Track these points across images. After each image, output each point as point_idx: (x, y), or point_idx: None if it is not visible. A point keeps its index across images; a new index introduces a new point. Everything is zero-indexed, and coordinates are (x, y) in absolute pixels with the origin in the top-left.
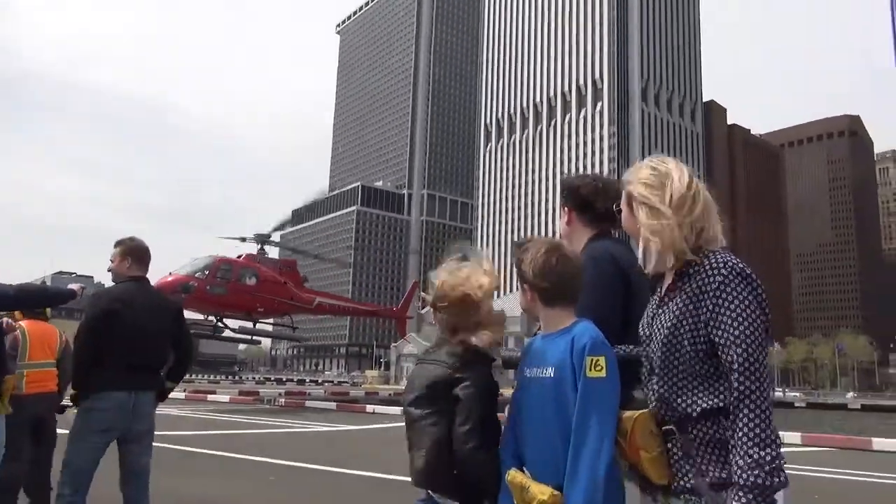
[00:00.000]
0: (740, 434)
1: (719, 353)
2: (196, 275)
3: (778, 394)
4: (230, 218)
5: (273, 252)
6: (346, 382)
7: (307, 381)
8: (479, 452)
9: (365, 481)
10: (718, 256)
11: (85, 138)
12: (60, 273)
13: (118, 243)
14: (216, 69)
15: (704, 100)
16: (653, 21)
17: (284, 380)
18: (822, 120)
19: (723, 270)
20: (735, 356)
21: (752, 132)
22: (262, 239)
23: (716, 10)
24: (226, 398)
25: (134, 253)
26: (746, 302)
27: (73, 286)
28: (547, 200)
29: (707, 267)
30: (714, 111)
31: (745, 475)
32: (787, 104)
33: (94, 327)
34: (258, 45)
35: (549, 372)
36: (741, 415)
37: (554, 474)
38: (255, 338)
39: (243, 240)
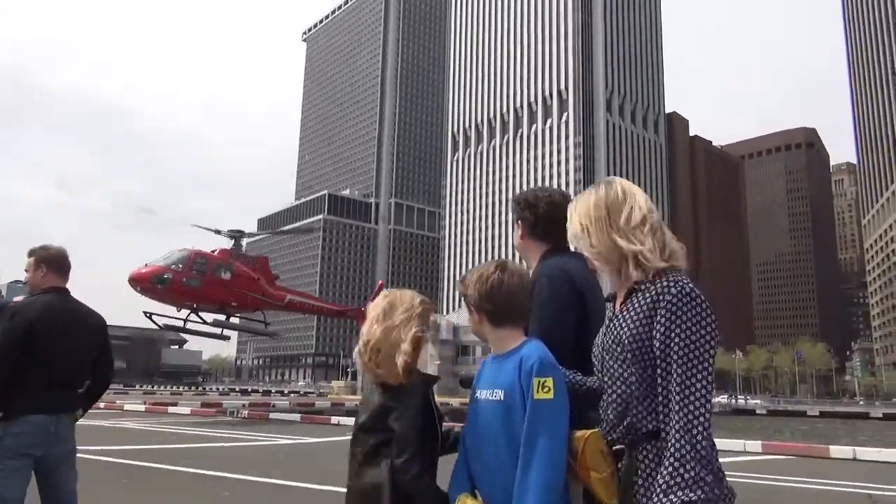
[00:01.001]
0: (668, 470)
1: (661, 374)
2: (172, 266)
3: (740, 401)
4: (192, 218)
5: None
6: (313, 393)
7: (273, 391)
8: (421, 479)
9: (323, 496)
10: (670, 276)
11: (45, 142)
12: (16, 283)
13: (31, 252)
14: (181, 74)
15: (667, 111)
16: (617, 33)
17: (249, 390)
18: (780, 132)
19: (673, 289)
20: (675, 381)
21: (713, 143)
22: (237, 234)
23: (677, 24)
24: (187, 410)
25: (49, 262)
26: (692, 321)
27: None
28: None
29: (658, 286)
30: (676, 123)
31: None
32: (747, 117)
33: (11, 345)
34: (224, 50)
35: (499, 395)
36: (672, 447)
37: (505, 498)
38: (224, 332)
39: (218, 232)
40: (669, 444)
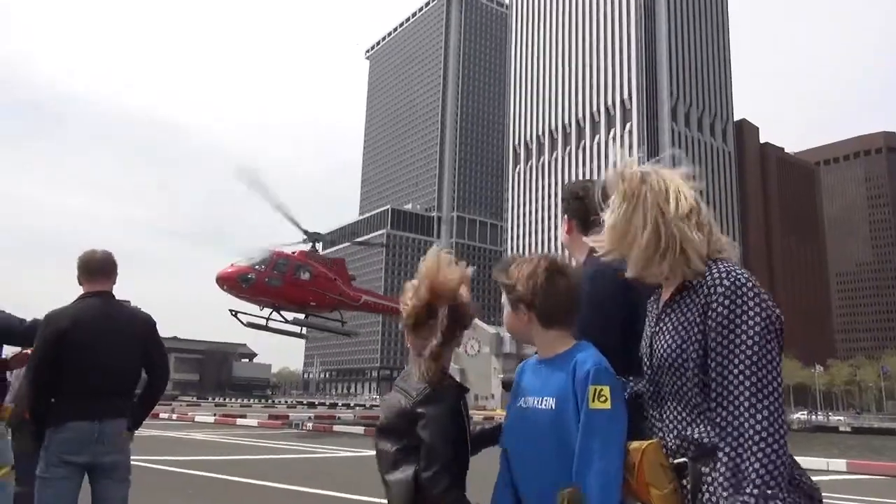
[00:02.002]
0: (737, 486)
1: (714, 379)
2: (255, 266)
3: (820, 417)
4: (260, 240)
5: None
6: (378, 406)
7: (338, 404)
8: (451, 492)
9: None
10: (722, 267)
11: (108, 159)
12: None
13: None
14: (245, 93)
15: (736, 118)
16: (681, 39)
17: (315, 403)
18: (858, 137)
19: (725, 282)
20: (738, 387)
21: (785, 150)
22: (315, 236)
23: (746, 28)
24: (255, 422)
25: (79, 267)
26: (745, 315)
27: None
28: None
29: (709, 279)
30: (746, 130)
31: None
32: (822, 122)
33: (44, 353)
34: (289, 69)
35: (550, 403)
36: (742, 460)
37: None
38: (303, 331)
39: (305, 233)
40: (739, 456)
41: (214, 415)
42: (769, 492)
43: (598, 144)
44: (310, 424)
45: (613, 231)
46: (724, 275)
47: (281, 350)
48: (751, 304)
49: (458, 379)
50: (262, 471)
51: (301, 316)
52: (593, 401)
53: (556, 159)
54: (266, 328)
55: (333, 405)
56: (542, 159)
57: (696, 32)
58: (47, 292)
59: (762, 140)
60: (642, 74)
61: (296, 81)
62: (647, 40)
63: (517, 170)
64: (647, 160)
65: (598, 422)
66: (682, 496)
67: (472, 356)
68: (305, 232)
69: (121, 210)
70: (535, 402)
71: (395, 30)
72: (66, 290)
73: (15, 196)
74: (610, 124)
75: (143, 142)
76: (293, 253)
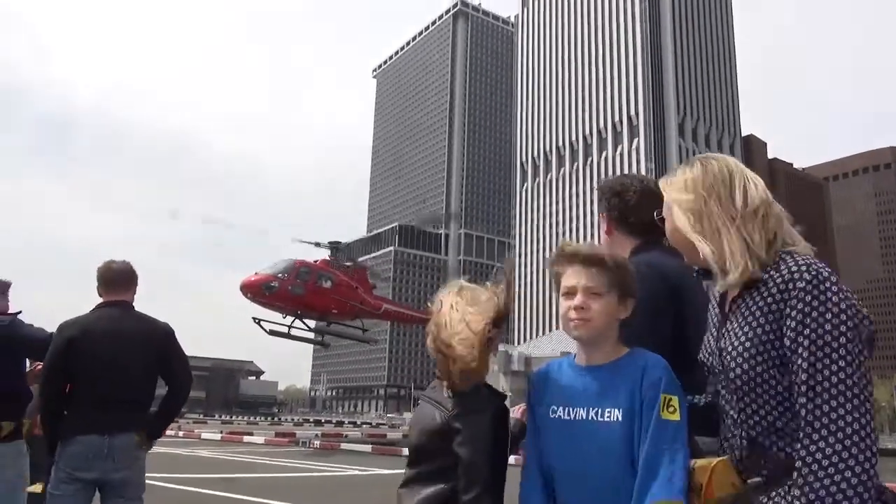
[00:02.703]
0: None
1: (797, 387)
2: (278, 275)
3: None
4: (270, 256)
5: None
6: (385, 424)
7: (346, 422)
8: None
9: None
10: (799, 260)
11: (118, 174)
12: None
13: None
14: (253, 112)
15: (743, 134)
16: (687, 55)
17: (322, 421)
18: (867, 152)
19: (805, 275)
20: (820, 398)
21: (793, 166)
22: (336, 245)
23: (752, 43)
24: (261, 440)
25: (98, 278)
26: (824, 308)
27: None
28: (585, 237)
29: (785, 272)
30: (754, 145)
31: None
32: (830, 137)
33: (52, 363)
34: (295, 87)
35: (615, 415)
36: (824, 480)
37: None
38: (325, 338)
39: (318, 244)
40: (827, 476)
41: (221, 432)
42: None
43: (606, 161)
44: (317, 442)
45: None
46: (803, 269)
47: (288, 367)
48: (834, 299)
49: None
50: (269, 489)
51: (322, 324)
52: (664, 410)
53: (564, 176)
54: (288, 336)
55: (340, 423)
56: (549, 176)
57: (702, 48)
58: (71, 305)
59: (770, 156)
60: (649, 91)
61: (304, 100)
62: (654, 56)
63: (525, 186)
64: (655, 176)
65: (669, 432)
66: None
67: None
68: (319, 244)
69: (125, 226)
70: (593, 413)
71: (403, 48)
72: (86, 305)
73: None
74: (617, 140)
75: (152, 159)
76: (315, 261)
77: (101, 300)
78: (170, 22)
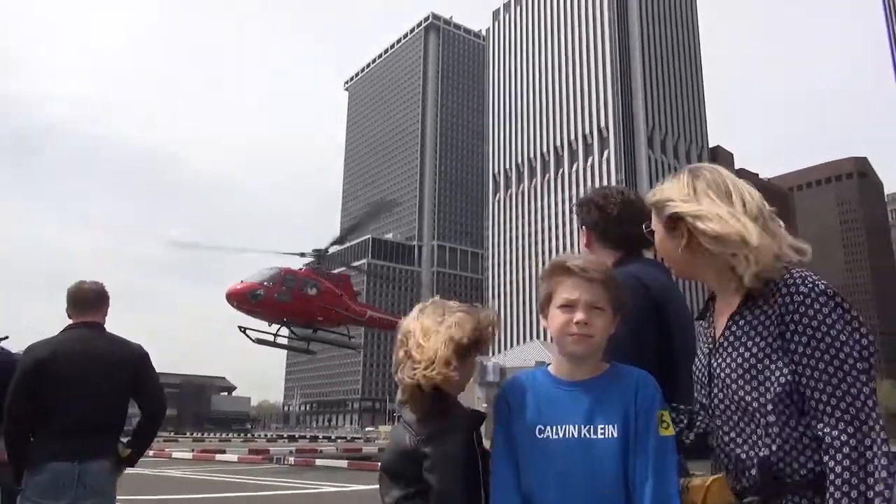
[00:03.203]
0: None
1: (805, 395)
2: (264, 283)
3: None
4: (240, 271)
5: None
6: (360, 438)
7: (320, 437)
8: None
9: None
10: (796, 274)
11: (90, 191)
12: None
13: None
14: (223, 124)
15: (711, 145)
16: (656, 69)
17: (297, 437)
18: (830, 163)
19: (802, 290)
20: (822, 396)
21: (759, 176)
22: (320, 253)
23: (719, 57)
24: (235, 457)
25: (69, 299)
26: (835, 329)
27: None
28: (556, 249)
29: (783, 287)
30: (721, 156)
31: None
32: (794, 148)
33: (18, 386)
34: (267, 100)
35: (610, 430)
36: (834, 484)
37: None
38: (310, 346)
39: (302, 255)
40: (832, 496)
41: (192, 450)
42: None
43: (577, 172)
44: (292, 459)
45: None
46: (799, 281)
47: (260, 383)
48: (846, 317)
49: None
50: None
51: (308, 331)
52: (661, 427)
53: (536, 187)
54: (274, 343)
55: (315, 438)
56: (521, 187)
57: (670, 62)
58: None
59: (737, 166)
60: (619, 103)
61: (275, 112)
62: (623, 69)
63: (497, 198)
64: (626, 186)
65: (668, 450)
66: None
67: None
68: (304, 254)
69: (90, 240)
70: (585, 431)
71: (374, 60)
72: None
73: None
74: (588, 152)
75: (121, 172)
76: (300, 269)
77: (70, 322)
78: (141, 37)
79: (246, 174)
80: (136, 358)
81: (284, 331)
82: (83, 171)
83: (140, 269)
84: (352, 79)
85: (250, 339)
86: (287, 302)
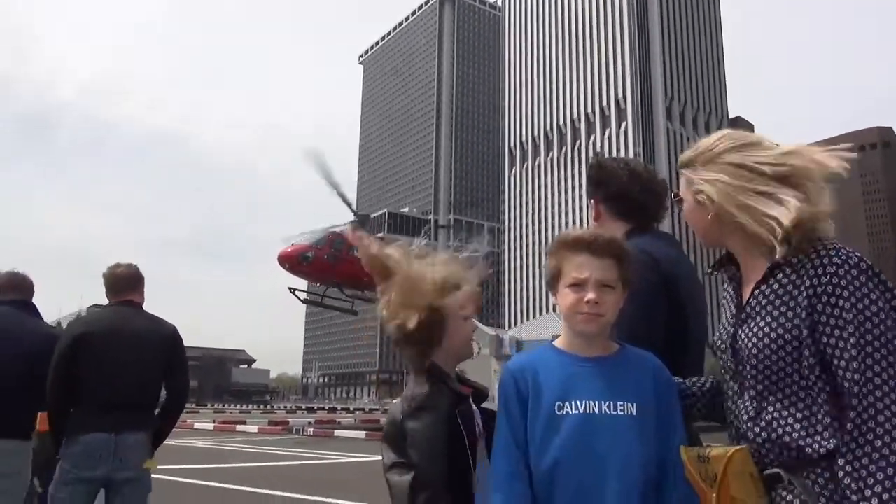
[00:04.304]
0: (863, 484)
1: (834, 369)
2: (314, 245)
3: None
4: (258, 249)
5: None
6: (378, 410)
7: (338, 409)
8: None
9: None
10: (829, 245)
11: (109, 172)
12: (95, 306)
13: None
14: (237, 101)
15: (730, 116)
16: (675, 39)
17: (315, 408)
18: (852, 132)
19: (835, 260)
20: (852, 373)
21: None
22: (363, 217)
23: (740, 26)
24: (254, 429)
25: (105, 283)
26: (868, 301)
27: None
28: (574, 222)
29: (815, 258)
30: (741, 127)
31: None
32: (816, 118)
33: (57, 361)
34: (281, 75)
35: (629, 408)
36: (864, 456)
37: None
38: (354, 305)
39: (353, 221)
40: (866, 466)
41: (213, 421)
42: None
43: (594, 144)
44: (310, 430)
45: (728, 221)
46: (833, 253)
47: (279, 355)
48: (871, 283)
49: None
50: (264, 478)
51: (353, 292)
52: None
53: (553, 160)
54: (321, 304)
55: (333, 409)
56: (538, 160)
57: (689, 31)
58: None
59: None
60: (636, 74)
61: (290, 88)
62: (641, 40)
63: (513, 171)
64: (643, 159)
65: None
66: None
67: (471, 359)
68: (356, 213)
69: (109, 218)
70: (606, 407)
71: (389, 34)
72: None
73: None
74: (605, 124)
75: (133, 153)
76: (345, 232)
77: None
78: (153, 17)
79: (259, 153)
80: (171, 338)
81: (331, 291)
82: (97, 152)
83: (166, 249)
84: (366, 52)
85: (299, 299)
86: (335, 264)
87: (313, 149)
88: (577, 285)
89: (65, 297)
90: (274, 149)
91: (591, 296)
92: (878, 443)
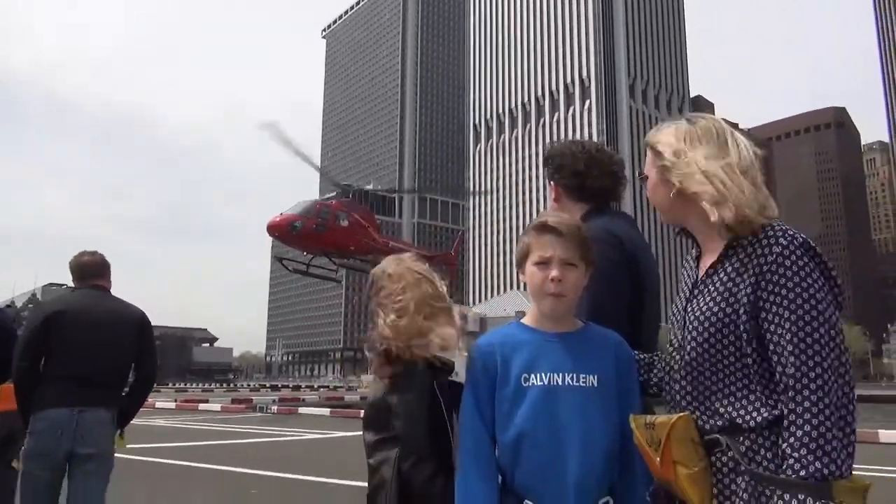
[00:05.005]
0: (790, 445)
1: (772, 341)
2: (302, 215)
3: None
4: (221, 225)
5: None
6: (342, 387)
7: (302, 386)
8: (432, 484)
9: (351, 491)
10: (776, 226)
11: (69, 150)
12: (51, 285)
13: None
14: (199, 76)
15: (692, 95)
16: (638, 17)
17: (279, 386)
18: (809, 113)
19: (781, 240)
20: (789, 349)
21: (739, 126)
22: (347, 188)
23: (702, 7)
24: (217, 407)
25: (71, 271)
26: (810, 279)
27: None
28: (538, 200)
29: (764, 239)
30: (702, 106)
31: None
32: (775, 98)
33: (27, 337)
34: (242, 51)
35: (591, 380)
36: (794, 423)
37: (602, 491)
38: (338, 274)
39: (342, 192)
40: (795, 432)
41: (175, 400)
42: (826, 470)
43: (558, 121)
44: (274, 408)
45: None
46: (780, 234)
47: (242, 334)
48: (813, 262)
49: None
50: (228, 456)
51: (341, 259)
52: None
53: (517, 137)
54: (307, 273)
55: (297, 387)
56: (502, 137)
57: (652, 11)
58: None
59: (718, 116)
60: (600, 52)
61: (255, 64)
62: (605, 18)
63: (478, 148)
64: (606, 137)
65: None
66: (711, 476)
67: None
68: (339, 184)
69: (66, 195)
70: (569, 379)
71: (352, 7)
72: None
73: None
74: (569, 101)
75: (100, 130)
76: (332, 202)
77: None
78: None
79: (224, 129)
80: (140, 321)
81: (316, 260)
82: (53, 128)
83: (120, 225)
84: (329, 26)
85: (287, 269)
86: (323, 233)
87: (272, 122)
88: (543, 263)
89: (19, 276)
90: (238, 127)
91: (554, 273)
92: (808, 415)
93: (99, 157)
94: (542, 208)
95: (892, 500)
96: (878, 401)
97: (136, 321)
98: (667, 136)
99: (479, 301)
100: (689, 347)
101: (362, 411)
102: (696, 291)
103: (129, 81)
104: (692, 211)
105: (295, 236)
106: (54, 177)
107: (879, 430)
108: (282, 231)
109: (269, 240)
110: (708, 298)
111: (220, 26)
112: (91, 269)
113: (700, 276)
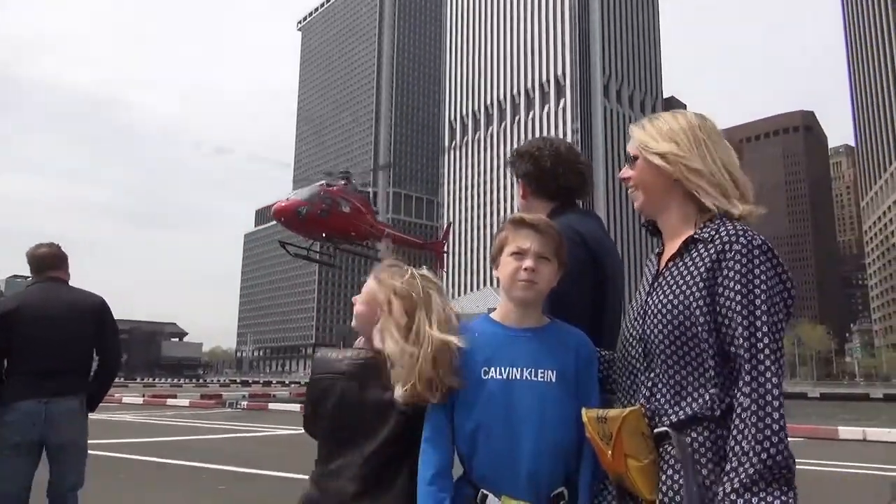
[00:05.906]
0: (742, 461)
1: (723, 335)
2: (307, 200)
3: None
4: (197, 217)
5: None
6: None
7: (273, 382)
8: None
9: None
10: (737, 226)
11: (36, 136)
12: (15, 277)
13: None
14: (175, 65)
15: (665, 96)
16: (613, 18)
17: (250, 382)
18: (778, 116)
19: (741, 240)
20: (742, 353)
21: None
22: (347, 174)
23: (675, 7)
24: (186, 402)
25: (29, 263)
26: (764, 277)
27: None
28: (512, 198)
29: (724, 235)
30: (674, 107)
31: (738, 486)
32: (745, 100)
33: None
34: (218, 41)
35: (549, 375)
36: (743, 432)
37: (556, 483)
38: (336, 260)
39: (342, 178)
40: (738, 428)
41: (143, 395)
42: (770, 461)
43: (533, 119)
44: (244, 403)
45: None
46: (739, 233)
47: (213, 329)
48: (766, 266)
49: None
50: (197, 452)
51: (340, 245)
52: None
53: (492, 135)
54: (307, 258)
55: (268, 383)
56: (477, 134)
57: (627, 12)
58: None
59: None
60: (576, 52)
61: (231, 53)
62: (581, 18)
63: (453, 145)
64: (581, 136)
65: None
66: (659, 468)
67: None
68: (342, 172)
69: (27, 181)
70: (527, 373)
71: (329, 0)
72: None
73: None
74: (544, 100)
75: (70, 117)
76: (333, 188)
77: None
78: None
79: (199, 119)
80: (99, 307)
81: (316, 245)
82: (17, 112)
83: (91, 218)
84: (305, 18)
85: (289, 253)
86: (327, 218)
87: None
88: (519, 254)
89: None
90: (209, 115)
91: (529, 263)
92: (754, 406)
93: (60, 141)
94: (515, 206)
95: (851, 493)
96: (839, 398)
97: (95, 309)
98: (667, 122)
99: (453, 298)
100: (647, 341)
101: None
102: (655, 285)
103: (97, 64)
104: (675, 201)
105: (300, 221)
106: (12, 160)
107: (839, 427)
108: (287, 216)
109: (241, 232)
110: (667, 290)
111: (194, 9)
112: (48, 262)
113: (660, 269)
